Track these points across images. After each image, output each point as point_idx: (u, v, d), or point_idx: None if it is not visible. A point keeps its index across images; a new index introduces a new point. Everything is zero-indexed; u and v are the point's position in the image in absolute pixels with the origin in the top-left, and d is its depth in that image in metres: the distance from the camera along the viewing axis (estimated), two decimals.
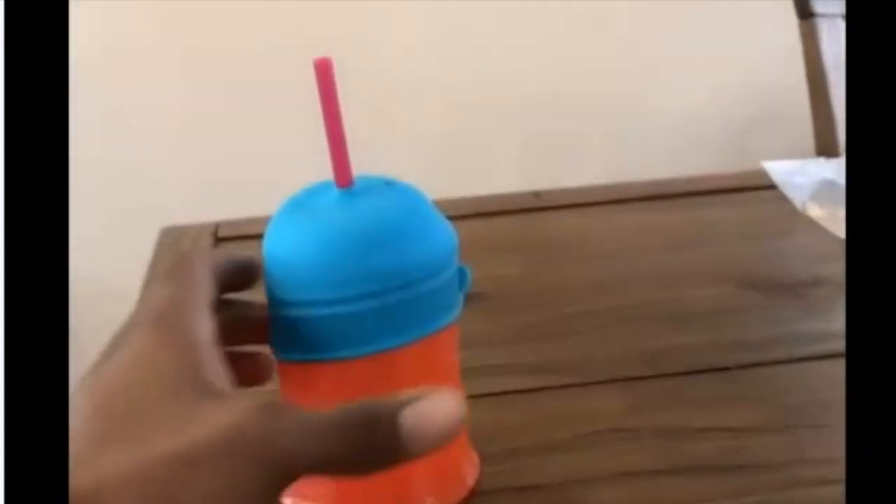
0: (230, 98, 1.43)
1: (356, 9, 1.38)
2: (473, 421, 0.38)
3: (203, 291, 0.32)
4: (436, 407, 0.28)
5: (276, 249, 0.36)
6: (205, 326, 0.31)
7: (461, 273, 0.39)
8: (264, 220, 0.38)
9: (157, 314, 0.30)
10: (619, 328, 0.55)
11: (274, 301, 0.37)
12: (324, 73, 0.35)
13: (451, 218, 0.69)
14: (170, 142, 1.45)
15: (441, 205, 0.61)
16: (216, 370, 0.29)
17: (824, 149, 0.94)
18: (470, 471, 0.42)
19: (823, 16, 0.95)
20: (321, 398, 0.33)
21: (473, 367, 0.52)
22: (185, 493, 0.25)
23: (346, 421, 0.27)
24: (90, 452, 0.25)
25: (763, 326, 0.55)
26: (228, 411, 0.27)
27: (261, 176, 1.33)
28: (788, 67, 1.14)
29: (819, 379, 0.50)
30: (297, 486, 0.39)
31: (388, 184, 0.38)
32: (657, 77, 1.46)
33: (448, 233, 0.38)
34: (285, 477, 0.27)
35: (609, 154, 1.47)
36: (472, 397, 0.49)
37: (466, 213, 0.70)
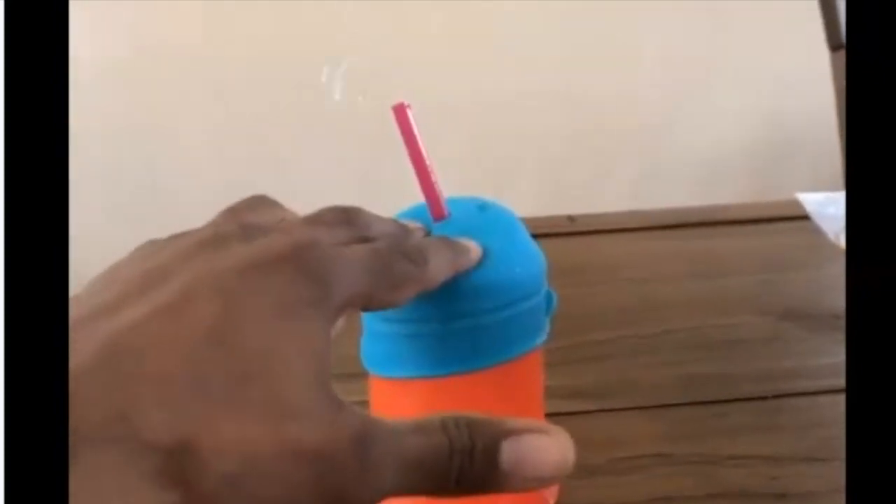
0: (266, 107, 1.44)
1: (380, 31, 1.40)
2: None
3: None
4: (541, 448, 0.26)
5: None
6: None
7: (548, 296, 0.39)
8: None
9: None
10: (655, 354, 0.56)
11: (367, 316, 0.37)
12: (402, 118, 0.36)
13: None
14: (203, 152, 1.46)
15: None
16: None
17: None
18: (550, 490, 0.43)
19: None
20: (409, 414, 0.34)
21: None
22: (229, 490, 0.22)
23: (435, 452, 0.25)
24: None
25: (799, 357, 0.55)
26: (326, 429, 0.24)
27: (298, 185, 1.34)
28: (817, 98, 1.14)
29: None
30: None
31: (482, 208, 0.38)
32: (685, 106, 1.46)
33: (538, 256, 0.38)
34: None
35: (635, 182, 1.47)
36: None
37: None
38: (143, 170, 1.47)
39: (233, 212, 0.31)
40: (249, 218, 0.30)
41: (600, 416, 0.51)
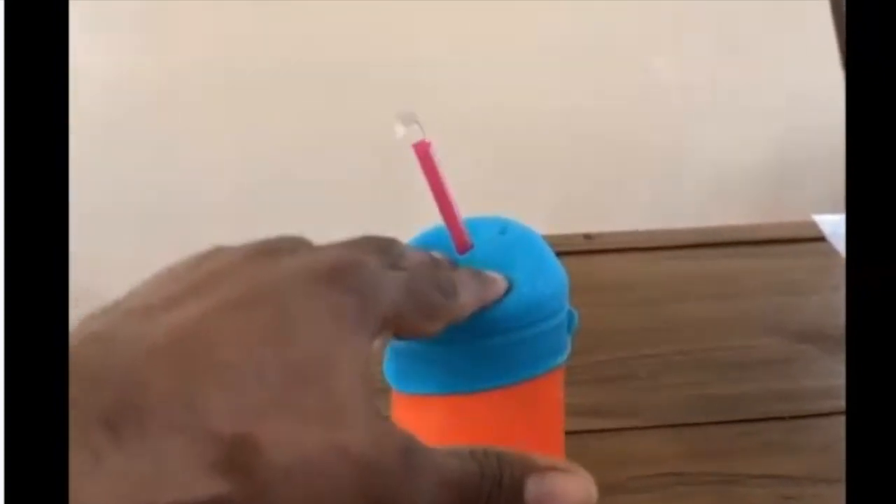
0: (286, 136, 1.45)
1: (392, 50, 1.41)
2: None
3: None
4: (566, 486, 0.27)
5: None
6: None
7: (570, 315, 0.40)
8: None
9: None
10: (671, 374, 0.56)
11: None
12: (423, 157, 0.36)
13: None
14: (221, 178, 1.47)
15: None
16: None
17: None
18: None
19: None
20: (430, 430, 0.35)
21: None
22: (281, 484, 0.23)
23: (469, 476, 0.26)
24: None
25: (815, 378, 0.56)
26: (374, 434, 0.25)
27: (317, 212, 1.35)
28: (830, 118, 1.15)
29: None
30: None
31: (503, 230, 0.39)
32: (699, 123, 1.46)
33: (561, 275, 0.39)
34: None
35: (650, 201, 1.48)
36: None
37: None
38: (149, 182, 1.47)
39: (273, 238, 0.31)
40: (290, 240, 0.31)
41: (618, 434, 0.51)
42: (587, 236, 0.74)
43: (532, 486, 0.27)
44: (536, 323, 0.37)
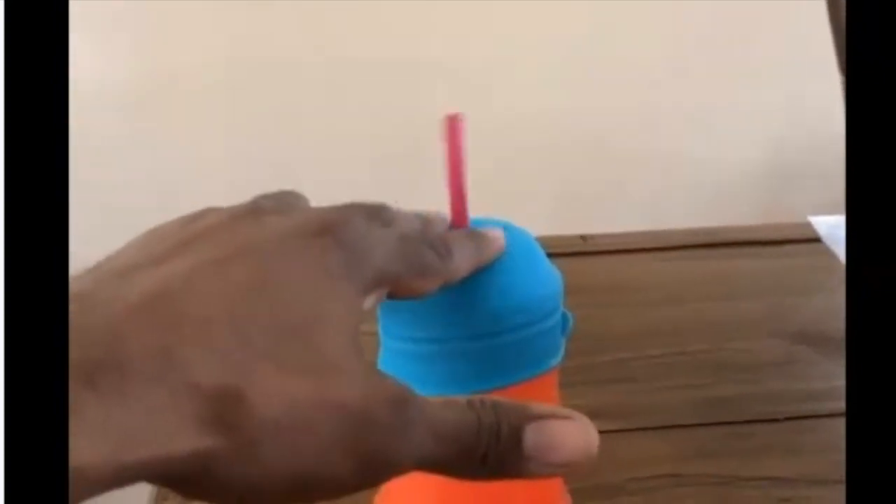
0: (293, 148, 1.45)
1: (395, 46, 1.40)
2: None
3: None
4: (565, 434, 0.27)
5: None
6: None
7: (563, 318, 0.40)
8: None
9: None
10: (669, 376, 0.56)
11: (384, 333, 0.38)
12: (453, 130, 0.36)
13: None
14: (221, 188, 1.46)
15: None
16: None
17: None
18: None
19: None
20: None
21: None
22: (270, 438, 0.22)
23: (465, 427, 0.26)
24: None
25: (811, 379, 0.56)
26: (364, 387, 0.25)
27: None
28: (830, 120, 1.15)
29: None
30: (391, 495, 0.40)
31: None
32: (697, 126, 1.47)
33: (556, 277, 0.39)
34: (383, 474, 0.25)
35: (648, 203, 1.48)
36: None
37: None
38: (149, 182, 1.47)
39: (266, 195, 0.31)
40: (283, 198, 0.31)
41: (615, 436, 0.51)
42: (583, 237, 0.74)
43: (531, 435, 0.26)
44: (531, 324, 0.37)
